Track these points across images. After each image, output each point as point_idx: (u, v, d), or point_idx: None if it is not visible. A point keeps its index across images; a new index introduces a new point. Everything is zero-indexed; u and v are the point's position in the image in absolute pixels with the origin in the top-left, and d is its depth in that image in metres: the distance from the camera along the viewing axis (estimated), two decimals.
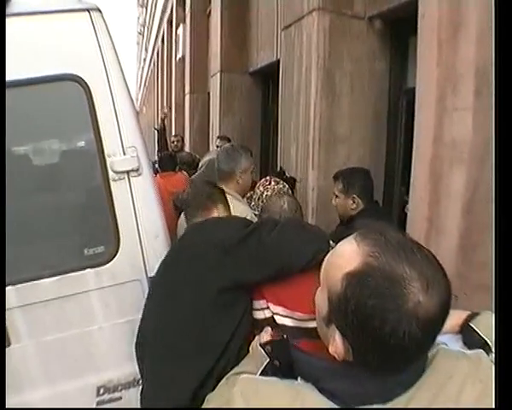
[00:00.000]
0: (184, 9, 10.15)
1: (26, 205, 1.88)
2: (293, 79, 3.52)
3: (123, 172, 1.90)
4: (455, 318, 1.06)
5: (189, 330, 1.38)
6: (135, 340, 1.64)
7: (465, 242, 1.96)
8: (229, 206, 1.99)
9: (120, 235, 1.91)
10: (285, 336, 1.21)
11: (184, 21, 10.05)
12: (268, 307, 1.35)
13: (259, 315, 1.37)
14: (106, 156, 1.88)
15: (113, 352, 1.94)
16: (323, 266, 0.84)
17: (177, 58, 10.98)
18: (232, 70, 6.44)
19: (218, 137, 5.68)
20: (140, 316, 1.90)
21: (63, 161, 1.98)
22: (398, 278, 0.71)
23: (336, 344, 0.78)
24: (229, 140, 5.32)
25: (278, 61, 5.24)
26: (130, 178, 1.92)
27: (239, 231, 1.43)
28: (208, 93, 8.63)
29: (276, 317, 1.33)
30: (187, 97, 9.43)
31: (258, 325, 1.34)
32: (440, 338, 1.05)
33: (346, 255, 0.77)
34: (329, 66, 3.21)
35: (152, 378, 1.48)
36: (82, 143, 1.96)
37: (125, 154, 1.91)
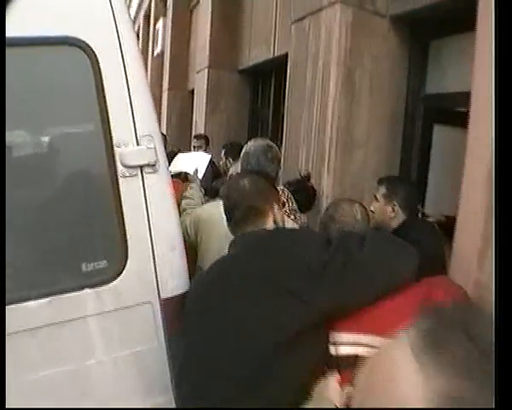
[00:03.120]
0: (165, 3, 9.70)
1: (7, 207, 1.45)
2: (307, 76, 3.19)
3: (135, 167, 1.51)
4: None
5: (253, 363, 1.21)
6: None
7: None
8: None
9: (129, 246, 1.51)
10: None
11: (165, 15, 9.60)
12: (340, 343, 1.22)
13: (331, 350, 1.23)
14: (114, 146, 1.49)
15: (115, 391, 1.53)
16: (364, 374, 0.55)
17: (155, 53, 10.49)
18: (221, 66, 6.06)
19: (195, 137, 5.14)
20: (149, 346, 1.54)
21: (58, 149, 1.55)
22: None
23: None
24: (207, 139, 4.90)
25: (273, 59, 4.97)
26: (144, 175, 1.53)
27: (321, 250, 1.23)
28: (189, 90, 8.24)
29: (353, 348, 1.20)
30: (165, 94, 8.97)
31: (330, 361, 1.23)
32: None
33: (402, 385, 0.50)
34: (350, 63, 2.90)
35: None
36: (83, 128, 1.54)
37: (138, 144, 1.52)
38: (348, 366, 1.22)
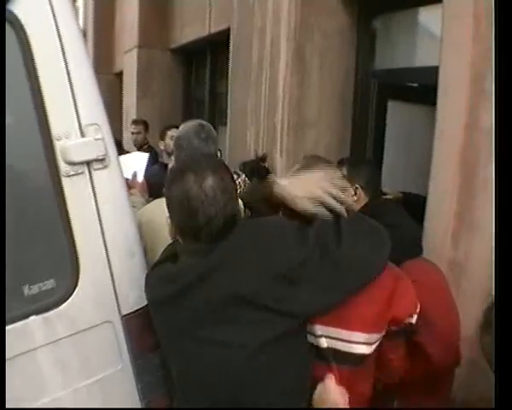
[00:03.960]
0: None
1: None
2: (253, 53, 3.01)
3: (81, 164, 1.27)
4: None
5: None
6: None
7: None
8: None
9: (80, 259, 1.27)
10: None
11: None
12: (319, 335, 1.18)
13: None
14: (54, 138, 1.23)
15: None
16: None
17: None
18: (151, 46, 5.67)
19: (133, 122, 4.77)
20: (113, 371, 1.34)
21: None
22: None
23: None
24: (145, 124, 4.59)
25: (209, 36, 4.70)
26: (93, 173, 1.30)
27: (296, 247, 1.10)
28: (115, 73, 7.72)
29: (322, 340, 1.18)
30: None
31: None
32: None
33: None
34: (300, 39, 2.75)
35: None
36: (13, 118, 1.23)
37: (83, 135, 1.27)
38: (328, 359, 1.18)
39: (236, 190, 1.21)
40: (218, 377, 1.12)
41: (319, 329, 1.18)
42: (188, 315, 1.12)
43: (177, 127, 3.68)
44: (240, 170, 2.67)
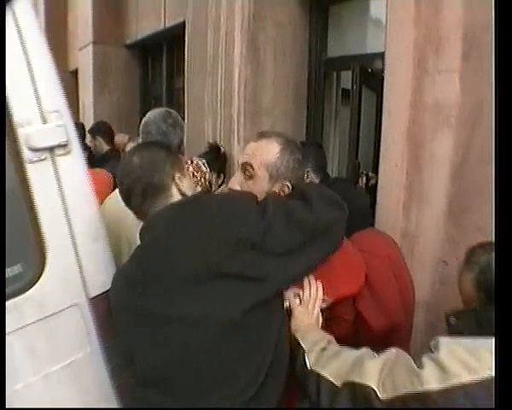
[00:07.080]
0: None
1: None
2: (208, 44, 3.04)
3: (44, 150, 1.29)
4: None
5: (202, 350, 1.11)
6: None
7: (455, 206, 1.81)
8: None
9: (46, 244, 1.29)
10: None
11: None
12: None
13: None
14: (16, 125, 1.24)
15: None
16: None
17: None
18: (106, 42, 5.58)
19: None
20: (82, 354, 1.36)
21: None
22: None
23: None
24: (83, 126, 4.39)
25: (164, 31, 4.68)
26: (56, 159, 1.32)
27: (255, 214, 1.13)
28: (70, 71, 7.54)
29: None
30: None
31: None
32: None
33: None
34: (254, 29, 2.81)
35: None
36: None
37: (45, 122, 1.29)
38: None
39: (176, 165, 1.28)
40: (187, 357, 1.11)
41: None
42: (152, 292, 1.13)
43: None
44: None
